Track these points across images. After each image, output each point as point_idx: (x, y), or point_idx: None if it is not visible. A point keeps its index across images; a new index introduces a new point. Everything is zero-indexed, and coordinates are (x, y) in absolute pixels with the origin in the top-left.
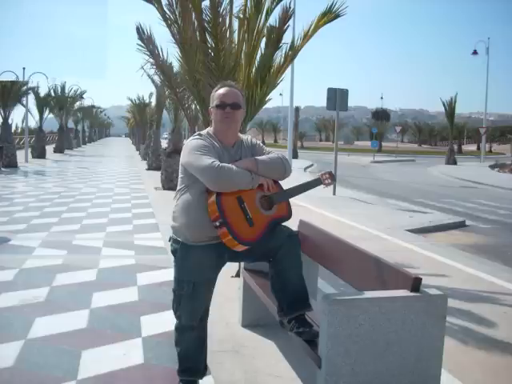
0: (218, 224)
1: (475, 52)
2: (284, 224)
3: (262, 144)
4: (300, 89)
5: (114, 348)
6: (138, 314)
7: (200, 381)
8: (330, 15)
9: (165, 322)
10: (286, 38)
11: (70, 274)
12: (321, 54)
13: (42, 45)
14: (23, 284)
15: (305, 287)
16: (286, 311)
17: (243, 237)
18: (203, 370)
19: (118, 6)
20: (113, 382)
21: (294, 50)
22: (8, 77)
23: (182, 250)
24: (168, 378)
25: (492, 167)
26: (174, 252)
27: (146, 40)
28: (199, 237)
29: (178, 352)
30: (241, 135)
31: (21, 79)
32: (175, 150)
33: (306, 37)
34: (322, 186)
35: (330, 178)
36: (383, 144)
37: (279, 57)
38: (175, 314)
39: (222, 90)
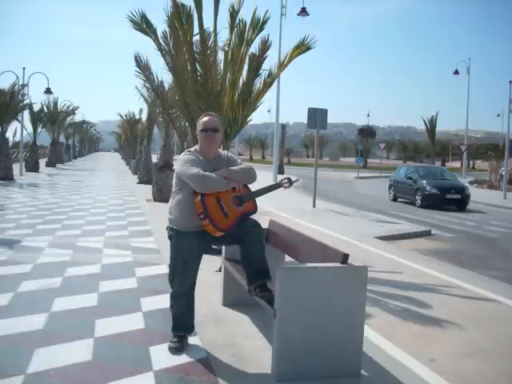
0: (202, 217)
1: (456, 72)
2: (250, 217)
3: (235, 157)
4: (289, 105)
5: (119, 318)
6: (137, 296)
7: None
8: (302, 47)
9: (159, 301)
10: (265, 66)
11: (78, 268)
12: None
13: (42, 45)
14: (40, 274)
15: (266, 262)
16: (252, 280)
17: (220, 226)
18: (191, 327)
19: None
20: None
21: (271, 78)
22: (8, 77)
23: (176, 236)
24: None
25: (471, 183)
26: (170, 237)
27: (143, 67)
28: (189, 226)
29: (172, 313)
30: (220, 150)
31: (21, 79)
32: (166, 165)
33: (282, 65)
34: (282, 188)
35: (288, 183)
36: (369, 160)
37: (259, 83)
38: (170, 284)
39: (204, 119)
